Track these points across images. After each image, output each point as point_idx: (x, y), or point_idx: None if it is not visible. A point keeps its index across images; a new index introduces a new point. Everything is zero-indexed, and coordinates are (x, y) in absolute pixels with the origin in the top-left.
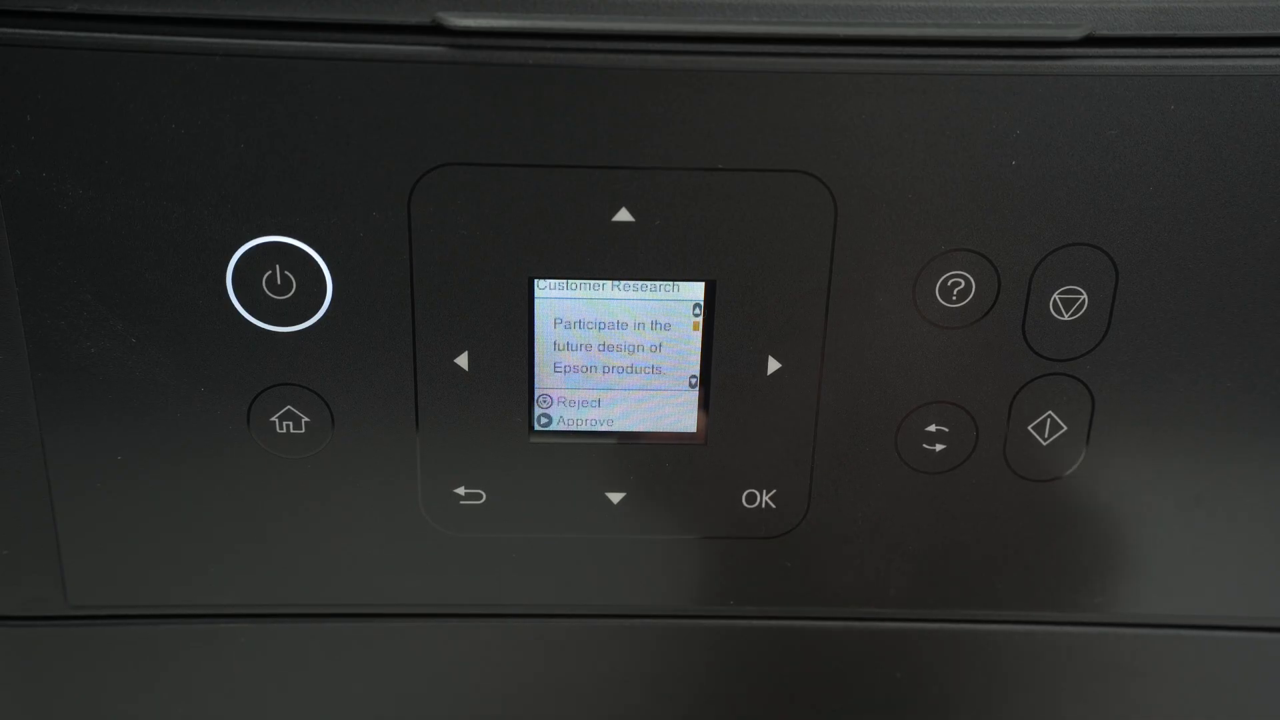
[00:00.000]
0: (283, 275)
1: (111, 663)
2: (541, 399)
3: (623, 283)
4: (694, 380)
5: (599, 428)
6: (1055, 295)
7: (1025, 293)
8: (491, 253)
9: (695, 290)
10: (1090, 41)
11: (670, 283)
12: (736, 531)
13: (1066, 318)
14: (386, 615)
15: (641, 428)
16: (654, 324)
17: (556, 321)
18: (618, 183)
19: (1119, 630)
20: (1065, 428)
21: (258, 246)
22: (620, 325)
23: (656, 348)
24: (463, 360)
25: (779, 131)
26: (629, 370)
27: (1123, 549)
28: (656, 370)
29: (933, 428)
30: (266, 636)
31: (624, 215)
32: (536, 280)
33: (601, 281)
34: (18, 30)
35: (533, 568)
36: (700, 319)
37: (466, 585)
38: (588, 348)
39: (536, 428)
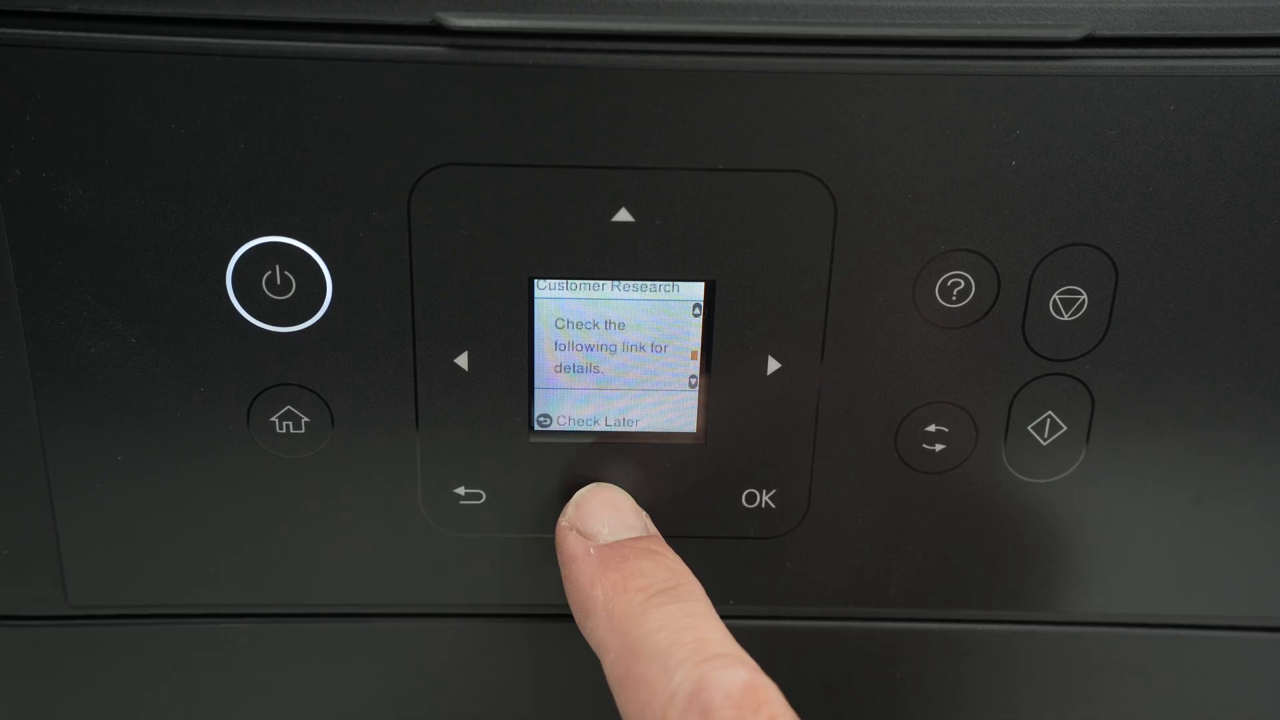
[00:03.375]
0: (282, 275)
1: (112, 662)
2: (541, 399)
3: (623, 283)
4: (694, 380)
5: (599, 427)
6: (1055, 295)
7: (1025, 293)
8: (491, 253)
9: (695, 290)
10: (1090, 42)
11: (670, 283)
12: (736, 531)
13: (1066, 318)
14: (386, 615)
15: (641, 427)
16: (654, 324)
17: (556, 321)
18: (618, 183)
19: (1119, 630)
20: (1065, 428)
21: (257, 246)
22: (620, 325)
23: (656, 348)
24: (463, 360)
25: (779, 132)
26: (629, 370)
27: (1122, 549)
28: (656, 370)
29: (932, 428)
30: (266, 636)
31: (624, 215)
32: (536, 280)
33: (601, 281)
34: (17, 30)
35: (533, 568)
36: (700, 319)
37: (466, 585)
38: (588, 348)
39: (536, 427)
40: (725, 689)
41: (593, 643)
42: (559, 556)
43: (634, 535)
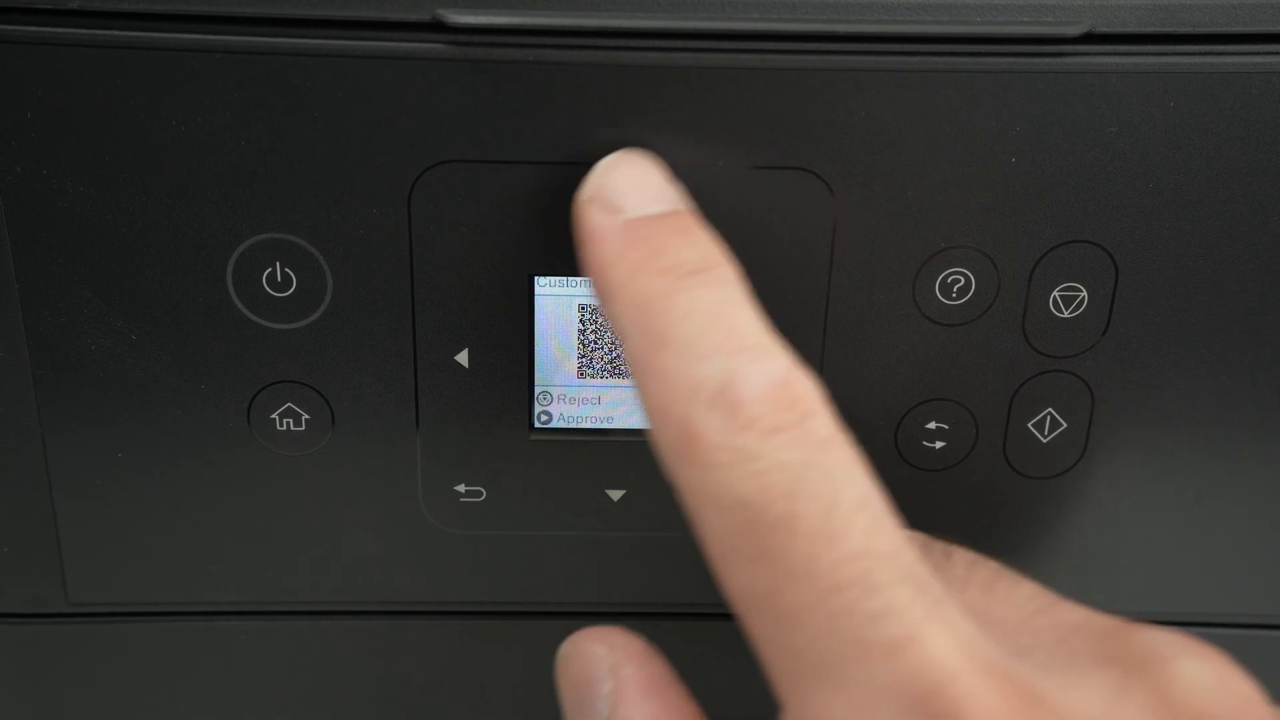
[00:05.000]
0: (283, 272)
1: (112, 660)
2: (542, 396)
3: None
4: None
5: (599, 425)
6: (1055, 292)
7: (1025, 290)
8: (492, 250)
9: None
10: (1090, 38)
11: None
12: None
13: (1066, 315)
14: (386, 613)
15: (642, 425)
16: None
17: (557, 319)
18: None
19: None
20: (1065, 425)
21: (258, 244)
22: None
23: None
24: (463, 357)
25: (779, 128)
26: (629, 367)
27: (1123, 546)
28: None
29: (932, 425)
30: (266, 634)
31: None
32: (537, 277)
33: None
34: (18, 27)
35: (533, 565)
36: None
37: (466, 583)
38: (588, 345)
39: (537, 425)
40: (756, 383)
41: (614, 328)
42: (576, 234)
43: (665, 210)
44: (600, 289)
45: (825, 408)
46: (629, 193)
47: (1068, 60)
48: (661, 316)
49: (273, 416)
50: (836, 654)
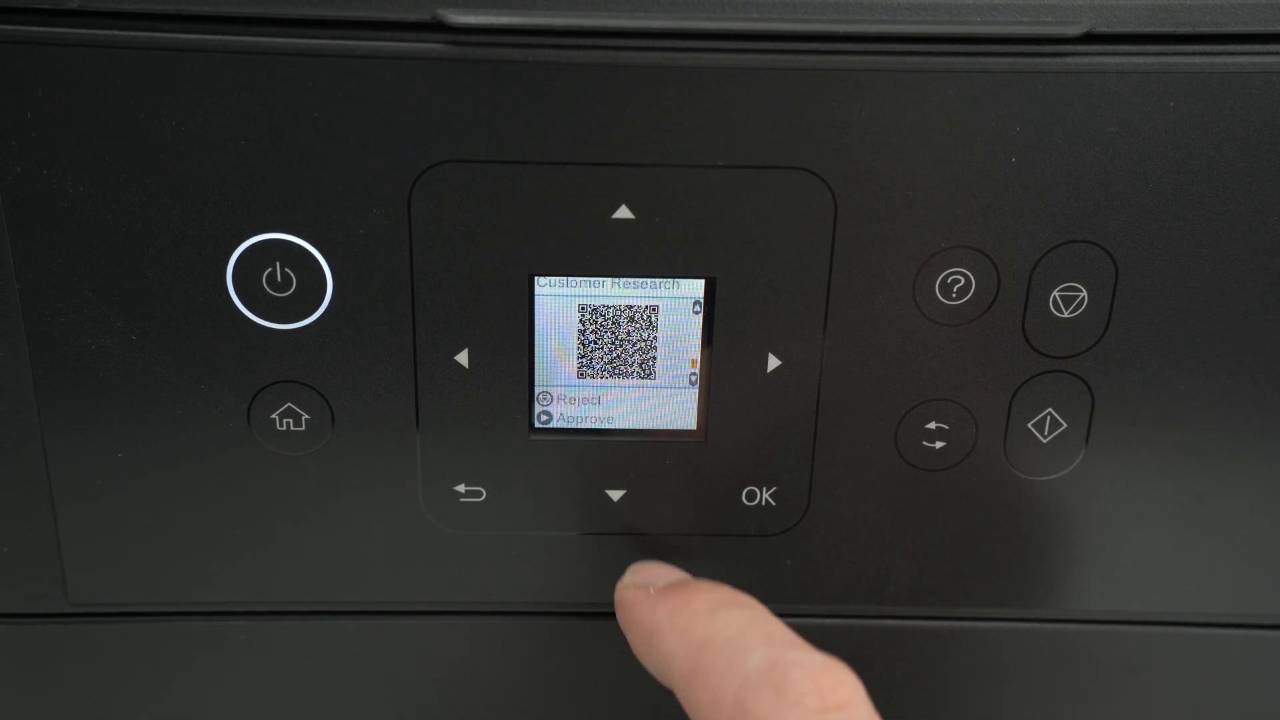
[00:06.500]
0: (283, 272)
1: (112, 660)
2: (542, 396)
3: (623, 280)
4: (694, 378)
5: (599, 425)
6: (1055, 292)
7: (1025, 290)
8: (492, 250)
9: (695, 287)
10: (1090, 38)
11: (670, 280)
12: (736, 529)
13: (1066, 315)
14: (386, 613)
15: (642, 425)
16: (654, 321)
17: (557, 319)
18: (617, 180)
19: (1119, 628)
20: (1065, 425)
21: (258, 244)
22: (620, 322)
23: (656, 345)
24: (463, 358)
25: (779, 128)
26: (629, 367)
27: (1123, 546)
28: (656, 368)
29: (933, 425)
30: (266, 634)
31: (624, 212)
32: (537, 277)
33: (602, 279)
34: (18, 27)
35: (533, 565)
36: (700, 316)
37: (466, 583)
38: (588, 345)
39: (537, 425)
40: (803, 664)
41: (660, 665)
42: (620, 616)
43: (686, 580)
44: (644, 635)
45: (866, 700)
46: (658, 575)
47: (1068, 60)
48: (703, 629)
49: (273, 416)
50: None
